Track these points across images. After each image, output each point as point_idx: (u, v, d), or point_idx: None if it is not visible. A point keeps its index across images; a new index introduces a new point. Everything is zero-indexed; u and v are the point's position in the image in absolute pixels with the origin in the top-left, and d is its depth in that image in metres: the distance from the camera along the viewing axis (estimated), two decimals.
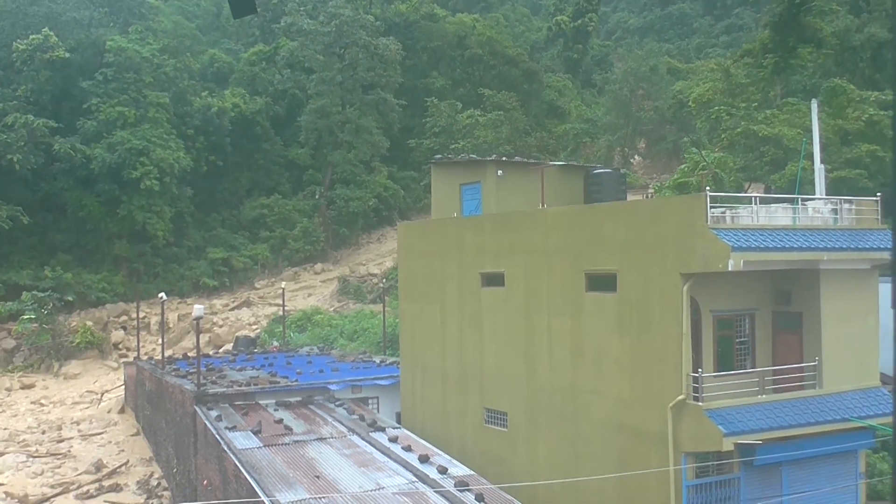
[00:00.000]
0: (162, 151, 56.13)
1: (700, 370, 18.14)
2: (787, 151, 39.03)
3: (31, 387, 46.57)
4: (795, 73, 47.66)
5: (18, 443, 36.40)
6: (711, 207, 18.13)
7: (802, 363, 19.60)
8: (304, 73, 66.74)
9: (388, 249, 60.84)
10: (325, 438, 24.49)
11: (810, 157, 25.50)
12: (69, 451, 35.31)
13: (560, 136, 69.96)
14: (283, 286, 49.36)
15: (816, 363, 19.43)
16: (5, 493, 30.34)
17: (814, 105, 24.67)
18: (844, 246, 19.25)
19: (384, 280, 48.75)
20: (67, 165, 55.66)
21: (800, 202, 20.51)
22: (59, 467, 33.46)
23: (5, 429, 38.61)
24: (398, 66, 66.61)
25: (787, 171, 37.60)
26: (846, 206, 20.86)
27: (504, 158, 28.97)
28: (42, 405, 43.26)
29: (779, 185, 38.11)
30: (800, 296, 19.96)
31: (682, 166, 43.40)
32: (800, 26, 43.03)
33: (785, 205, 20.59)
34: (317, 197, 65.09)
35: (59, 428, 38.57)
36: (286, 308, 47.53)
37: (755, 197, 20.43)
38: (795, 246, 18.41)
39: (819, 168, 23.11)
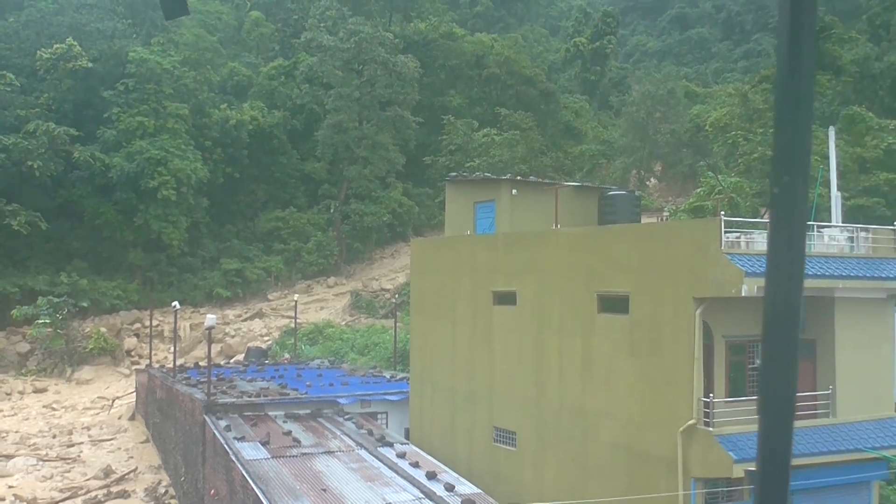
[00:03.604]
0: (180, 162, 56.61)
1: (711, 395, 18.05)
2: None
3: (43, 391, 46.85)
4: (814, 100, 47.69)
5: (29, 446, 36.57)
6: (726, 232, 18.09)
7: (816, 391, 19.47)
8: (322, 89, 67.21)
9: (402, 265, 60.93)
10: (332, 452, 24.47)
11: (827, 184, 25.44)
12: (79, 456, 35.44)
13: (576, 157, 70.01)
14: (295, 299, 49.50)
15: (830, 392, 19.30)
16: (14, 495, 30.46)
17: (831, 132, 24.69)
18: (860, 274, 19.14)
19: (396, 295, 48.82)
20: (86, 173, 56.21)
21: (815, 229, 20.45)
22: (69, 472, 33.58)
23: (17, 432, 38.79)
24: (416, 83, 66.98)
25: None
26: (863, 234, 20.74)
27: (519, 178, 29.08)
28: (54, 409, 43.47)
29: None
30: (814, 323, 19.85)
31: (698, 190, 43.40)
32: (819, 53, 43.08)
33: None
34: (331, 211, 65.37)
35: (70, 433, 38.74)
36: (298, 320, 47.64)
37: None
38: (810, 273, 18.33)
39: (835, 195, 23.09)
